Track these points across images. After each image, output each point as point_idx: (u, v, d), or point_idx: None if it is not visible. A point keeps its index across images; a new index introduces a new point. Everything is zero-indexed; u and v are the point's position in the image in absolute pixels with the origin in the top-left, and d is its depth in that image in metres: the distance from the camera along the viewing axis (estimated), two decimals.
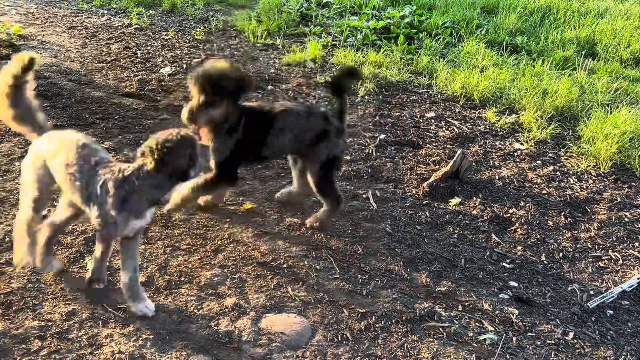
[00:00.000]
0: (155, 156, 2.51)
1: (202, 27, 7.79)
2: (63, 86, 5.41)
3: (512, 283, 3.41)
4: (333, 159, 3.58)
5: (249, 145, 3.44)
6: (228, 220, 3.68)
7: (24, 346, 2.55)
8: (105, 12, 8.25)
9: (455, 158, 4.34)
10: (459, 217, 3.99)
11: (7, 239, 3.20)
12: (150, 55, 6.57)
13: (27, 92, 2.86)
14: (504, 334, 2.98)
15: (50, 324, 2.68)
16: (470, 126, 5.49)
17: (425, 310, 3.06)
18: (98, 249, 2.80)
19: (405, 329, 2.92)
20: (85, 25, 7.51)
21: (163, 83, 5.81)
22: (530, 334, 3.02)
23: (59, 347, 2.56)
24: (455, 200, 4.15)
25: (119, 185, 2.55)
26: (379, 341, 2.83)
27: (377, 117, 5.46)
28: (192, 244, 3.40)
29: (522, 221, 3.99)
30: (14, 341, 2.57)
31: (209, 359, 2.60)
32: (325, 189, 3.62)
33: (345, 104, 3.64)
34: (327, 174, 3.60)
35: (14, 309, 2.75)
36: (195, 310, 2.88)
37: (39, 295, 2.86)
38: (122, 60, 6.29)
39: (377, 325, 2.93)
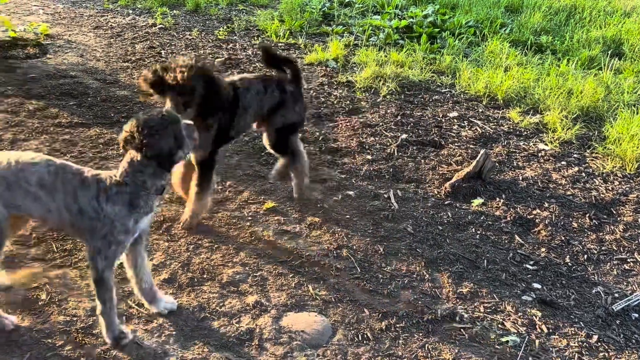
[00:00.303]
0: (138, 141, 2.37)
1: (225, 27, 7.84)
2: (89, 85, 5.49)
3: (536, 285, 3.37)
4: (290, 125, 3.77)
5: (222, 133, 3.48)
6: (250, 218, 3.71)
7: (49, 340, 2.60)
8: (130, 12, 8.35)
9: (478, 158, 4.31)
10: (482, 218, 3.95)
11: (33, 234, 3.27)
12: (174, 54, 6.63)
13: None
14: (527, 336, 2.95)
15: (75, 319, 2.73)
16: (494, 126, 5.44)
17: (447, 311, 3.05)
18: (102, 295, 2.51)
19: (426, 330, 2.91)
20: (111, 25, 7.61)
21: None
22: (553, 336, 2.98)
23: (83, 342, 2.61)
24: (477, 201, 4.12)
25: (119, 191, 2.42)
26: (400, 341, 2.82)
27: (399, 117, 5.44)
28: (214, 242, 3.43)
29: (546, 222, 3.95)
30: (39, 335, 2.62)
31: (231, 355, 2.62)
32: (280, 148, 3.84)
33: (297, 69, 3.81)
34: (283, 137, 3.80)
35: (40, 303, 2.81)
36: (217, 308, 2.91)
37: (65, 291, 2.91)
38: (146, 59, 6.36)
39: (398, 325, 2.92)
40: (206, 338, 2.70)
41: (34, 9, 8.15)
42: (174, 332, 2.70)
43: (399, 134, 5.08)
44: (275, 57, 3.83)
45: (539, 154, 4.97)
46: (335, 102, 5.68)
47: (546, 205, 4.17)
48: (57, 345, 2.58)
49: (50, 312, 2.76)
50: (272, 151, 3.92)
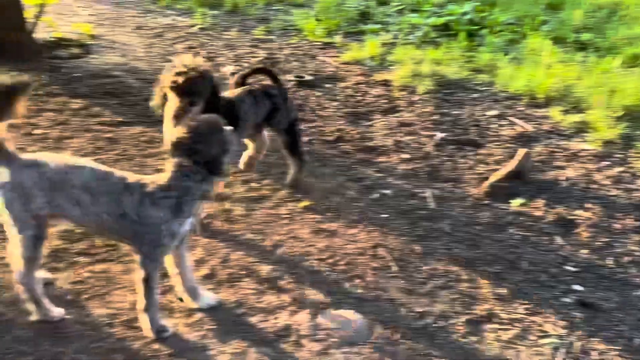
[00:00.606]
0: (188, 148, 2.41)
1: (262, 27, 7.91)
2: (131, 84, 5.62)
3: (577, 287, 3.30)
4: (294, 121, 3.98)
5: None
6: (286, 216, 3.74)
7: (93, 333, 2.68)
8: (171, 12, 8.51)
9: (518, 157, 4.24)
10: (521, 218, 3.90)
11: (77, 230, 3.36)
12: (213, 54, 6.73)
13: None
14: (567, 339, 2.90)
15: (118, 312, 2.81)
16: (534, 125, 5.35)
17: (485, 312, 3.02)
18: (146, 294, 2.57)
19: (464, 330, 2.89)
20: (152, 26, 7.77)
21: (225, 81, 5.94)
22: (594, 339, 2.92)
23: (126, 334, 2.68)
24: (517, 201, 4.06)
25: (164, 196, 2.46)
26: (437, 341, 2.81)
27: (436, 116, 5.40)
28: (252, 239, 3.48)
29: (588, 224, 3.86)
30: (84, 328, 2.70)
31: (269, 351, 2.65)
32: (293, 146, 4.02)
33: (274, 73, 3.98)
34: (292, 138, 3.99)
35: (85, 297, 2.90)
36: (255, 304, 2.95)
37: (109, 284, 3.00)
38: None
39: (435, 325, 2.91)
40: (244, 333, 2.74)
41: (78, 10, 8.38)
42: (213, 327, 2.75)
43: (436, 133, 5.05)
44: (248, 76, 3.97)
45: (581, 154, 4.86)
46: (371, 101, 5.68)
47: (588, 206, 4.08)
48: (101, 337, 2.65)
49: (95, 305, 2.85)
50: (286, 152, 4.06)
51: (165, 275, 2.92)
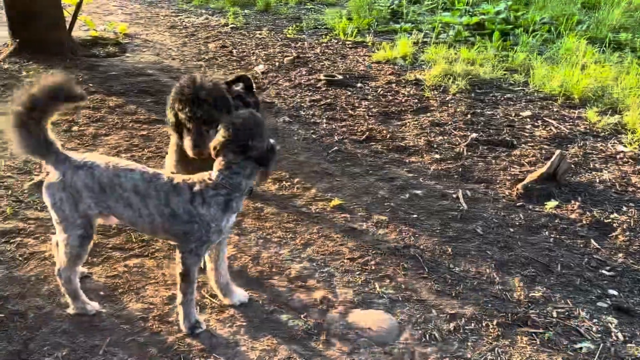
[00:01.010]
0: (237, 144, 2.42)
1: (294, 26, 7.94)
2: (165, 83, 5.70)
3: (612, 291, 3.23)
4: None
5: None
6: (317, 215, 3.75)
7: (127, 326, 2.73)
8: (204, 12, 8.60)
9: (552, 159, 4.17)
10: (556, 221, 3.83)
11: (113, 225, 3.43)
12: (245, 53, 6.78)
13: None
14: (602, 344, 2.84)
15: (151, 306, 2.86)
16: (569, 126, 5.25)
17: (518, 315, 2.97)
18: (185, 288, 2.62)
19: (496, 333, 2.85)
20: (185, 25, 7.87)
21: (256, 80, 5.98)
22: (629, 344, 2.85)
23: (159, 328, 2.72)
24: (551, 203, 3.99)
25: (215, 193, 2.49)
26: (469, 343, 2.78)
27: (469, 116, 5.35)
28: (283, 237, 3.50)
29: (624, 227, 3.78)
30: (119, 321, 2.75)
31: (299, 348, 2.66)
32: None
33: (245, 78, 3.82)
34: None
35: (119, 291, 2.95)
36: (285, 302, 2.96)
37: (143, 279, 3.05)
38: (219, 58, 6.54)
39: (466, 327, 2.88)
40: (275, 330, 2.76)
41: (113, 9, 8.53)
42: (244, 323, 2.78)
43: (469, 133, 4.99)
44: (232, 83, 3.80)
45: (617, 156, 4.76)
46: (403, 101, 5.65)
47: (624, 209, 3.99)
48: (135, 331, 2.70)
49: (129, 299, 2.90)
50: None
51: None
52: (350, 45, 7.32)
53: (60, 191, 2.53)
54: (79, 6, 6.59)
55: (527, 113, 5.48)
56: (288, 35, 7.55)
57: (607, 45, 7.30)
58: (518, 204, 4.01)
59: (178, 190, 2.52)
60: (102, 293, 2.93)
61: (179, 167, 3.13)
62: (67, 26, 6.53)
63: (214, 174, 2.52)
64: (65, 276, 2.66)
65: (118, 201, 2.55)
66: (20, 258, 3.14)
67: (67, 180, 2.52)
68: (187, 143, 2.92)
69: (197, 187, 2.51)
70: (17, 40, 6.27)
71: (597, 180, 4.35)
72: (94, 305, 2.78)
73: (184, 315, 2.67)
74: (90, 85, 5.59)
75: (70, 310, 2.74)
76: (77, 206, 2.54)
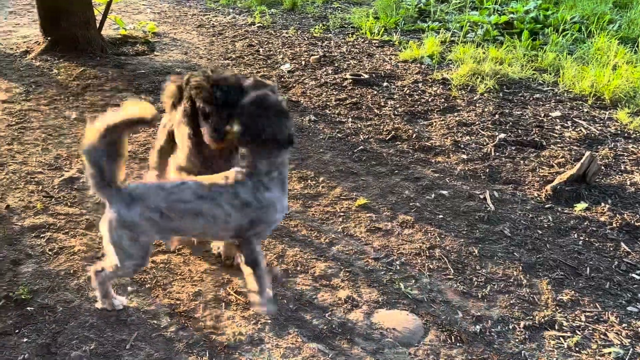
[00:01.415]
0: (270, 133, 2.44)
1: (320, 25, 7.94)
2: None
3: None
4: None
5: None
6: (342, 214, 3.74)
7: (155, 322, 2.76)
8: (231, 11, 8.66)
9: (582, 160, 4.10)
10: (585, 223, 3.76)
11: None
12: (272, 52, 6.81)
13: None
14: (631, 349, 2.78)
15: (178, 302, 2.89)
16: (600, 127, 5.15)
17: (546, 318, 2.93)
18: (258, 273, 2.68)
19: (523, 336, 2.81)
20: (213, 24, 7.93)
21: (283, 79, 6.00)
22: None
23: (185, 324, 2.75)
24: (581, 205, 3.92)
25: (271, 178, 2.54)
26: (495, 346, 2.75)
27: (497, 116, 5.28)
28: (308, 236, 3.50)
29: None
30: (146, 316, 2.79)
31: (323, 347, 2.66)
32: None
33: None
34: None
35: (147, 286, 2.99)
36: (309, 300, 2.96)
37: (169, 275, 3.08)
38: (245, 57, 6.57)
39: (492, 330, 2.85)
40: (300, 328, 2.76)
41: (142, 8, 8.64)
42: (269, 321, 2.79)
43: (497, 133, 4.93)
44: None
45: None
46: (429, 100, 5.61)
47: None
48: (161, 326, 2.73)
49: (156, 294, 2.93)
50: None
51: (223, 266, 2.98)
52: (376, 44, 7.29)
53: (119, 229, 2.48)
54: (109, 5, 6.69)
55: (557, 113, 5.39)
56: (314, 34, 7.55)
57: (639, 45, 7.14)
58: (547, 206, 3.95)
59: (240, 181, 2.54)
60: (129, 288, 2.97)
61: (193, 161, 2.93)
62: (98, 25, 6.64)
63: (255, 163, 2.53)
64: (101, 276, 2.69)
65: (184, 217, 2.51)
66: (50, 253, 3.20)
67: (124, 218, 2.46)
68: (206, 129, 2.78)
69: (253, 175, 2.52)
70: (49, 38, 6.40)
71: (628, 183, 4.26)
72: (121, 300, 2.82)
73: (260, 303, 2.75)
74: (120, 83, 5.67)
75: (99, 305, 2.78)
76: (138, 240, 2.52)
